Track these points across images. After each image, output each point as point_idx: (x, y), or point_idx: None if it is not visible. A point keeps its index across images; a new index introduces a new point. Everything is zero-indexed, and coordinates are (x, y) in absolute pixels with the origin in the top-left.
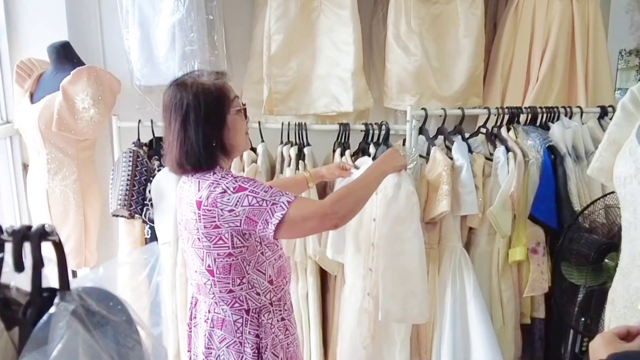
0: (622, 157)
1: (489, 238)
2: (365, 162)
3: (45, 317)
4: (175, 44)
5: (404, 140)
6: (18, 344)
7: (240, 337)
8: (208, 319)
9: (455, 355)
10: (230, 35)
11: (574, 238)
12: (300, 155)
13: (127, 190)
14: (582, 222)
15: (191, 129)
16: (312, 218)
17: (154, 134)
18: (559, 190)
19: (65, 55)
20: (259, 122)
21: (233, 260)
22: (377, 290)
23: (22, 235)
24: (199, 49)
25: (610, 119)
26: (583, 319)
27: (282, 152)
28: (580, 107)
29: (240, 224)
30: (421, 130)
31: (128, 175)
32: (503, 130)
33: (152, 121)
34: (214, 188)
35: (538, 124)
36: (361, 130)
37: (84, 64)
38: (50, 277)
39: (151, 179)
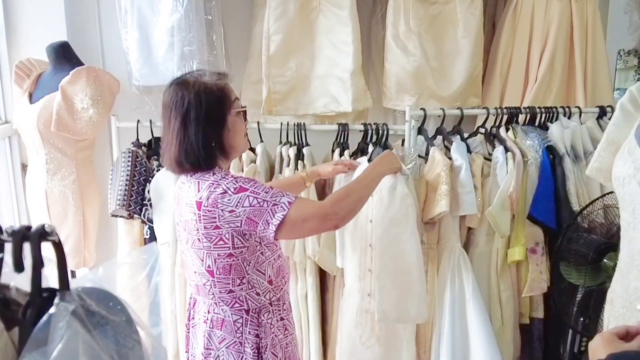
0: (621, 157)
1: (488, 238)
2: (363, 161)
3: (45, 318)
4: (174, 45)
5: (403, 141)
6: (18, 344)
7: (240, 337)
8: (207, 319)
9: (454, 355)
10: (229, 35)
11: (572, 238)
12: (299, 156)
13: (126, 190)
14: (581, 222)
15: (191, 127)
16: (313, 219)
17: (152, 134)
18: (557, 190)
19: (64, 56)
20: (258, 122)
21: (233, 260)
22: (375, 289)
23: (22, 235)
24: (198, 49)
25: (609, 119)
26: (582, 319)
27: (281, 152)
28: (579, 107)
29: (241, 224)
30: (420, 131)
31: (127, 175)
32: (502, 131)
33: (151, 121)
34: (215, 188)
35: (537, 124)
36: (360, 131)
37: (83, 64)
38: (50, 278)
39: (150, 179)
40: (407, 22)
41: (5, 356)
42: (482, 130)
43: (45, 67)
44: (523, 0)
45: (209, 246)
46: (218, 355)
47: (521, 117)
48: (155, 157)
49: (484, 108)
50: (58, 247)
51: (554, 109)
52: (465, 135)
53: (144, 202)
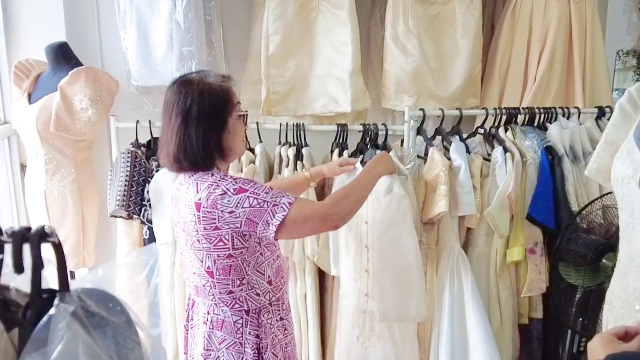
0: (620, 158)
1: (487, 238)
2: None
3: (45, 319)
4: (173, 45)
5: (402, 141)
6: (18, 345)
7: (241, 338)
8: (207, 320)
9: (453, 355)
10: (228, 35)
11: (571, 238)
12: (298, 156)
13: (125, 190)
14: (580, 223)
15: (192, 125)
16: (313, 219)
17: (152, 135)
18: (556, 191)
19: (63, 56)
20: (257, 123)
21: (233, 261)
22: (375, 290)
23: (22, 236)
24: (197, 49)
25: (608, 119)
26: (581, 319)
27: (280, 153)
28: (577, 108)
29: (241, 225)
30: (419, 131)
31: (126, 175)
32: (501, 131)
33: (150, 122)
34: (214, 189)
35: (536, 124)
36: (359, 131)
37: (82, 65)
38: (50, 279)
39: (149, 179)
40: (406, 23)
41: (5, 357)
42: (481, 130)
43: (44, 67)
44: (522, 0)
45: (208, 247)
46: (218, 356)
47: (520, 118)
48: (154, 157)
49: (483, 108)
50: (58, 248)
51: (553, 110)
52: (464, 135)
53: (143, 203)
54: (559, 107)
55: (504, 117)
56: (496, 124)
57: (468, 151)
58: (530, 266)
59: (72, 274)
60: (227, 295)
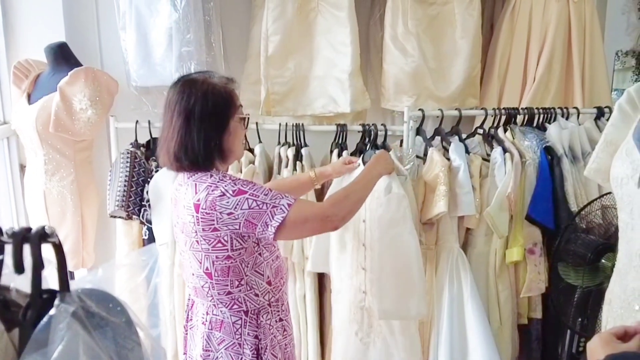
0: (619, 158)
1: (486, 239)
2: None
3: (45, 319)
4: (172, 45)
5: (401, 141)
6: (18, 345)
7: (240, 339)
8: (206, 321)
9: (452, 355)
10: (228, 36)
11: (570, 239)
12: (297, 156)
13: (124, 191)
14: (579, 223)
15: (194, 125)
16: (313, 220)
17: (151, 135)
18: (555, 191)
19: (63, 56)
20: (257, 123)
21: (231, 262)
22: (375, 289)
23: (22, 237)
24: (196, 50)
25: (607, 120)
26: (580, 320)
27: (279, 153)
28: (577, 108)
29: (240, 226)
30: (418, 131)
31: (126, 176)
32: (500, 131)
33: (149, 122)
34: (212, 191)
35: (535, 124)
36: (358, 131)
37: (81, 65)
38: (50, 279)
39: (149, 179)
40: (405, 23)
41: (6, 357)
42: (480, 131)
43: (44, 67)
44: (521, 1)
45: (207, 248)
46: (217, 357)
47: (519, 118)
48: (153, 157)
49: (482, 109)
50: (58, 248)
51: (552, 110)
52: (464, 135)
53: (143, 203)
54: (558, 108)
55: (503, 118)
56: (495, 124)
57: (467, 151)
58: (530, 266)
59: (72, 275)
60: (225, 296)
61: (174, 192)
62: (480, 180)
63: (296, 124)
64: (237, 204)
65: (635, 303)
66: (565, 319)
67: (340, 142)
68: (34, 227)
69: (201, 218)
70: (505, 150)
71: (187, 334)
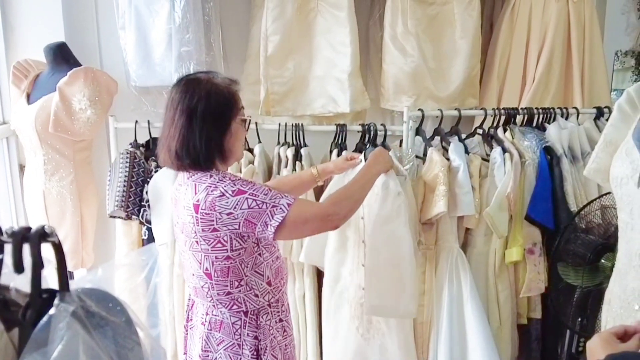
0: (619, 158)
1: (486, 239)
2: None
3: (45, 319)
4: (172, 45)
5: (401, 141)
6: (18, 345)
7: (239, 339)
8: (205, 321)
9: (452, 355)
10: (227, 36)
11: (570, 239)
12: (297, 156)
13: (124, 191)
14: (579, 223)
15: (197, 124)
16: (313, 219)
17: (150, 135)
18: (555, 191)
19: (62, 56)
20: (256, 123)
21: (231, 263)
22: (365, 284)
23: (22, 236)
24: (195, 50)
25: (607, 119)
26: (580, 319)
27: (279, 153)
28: (576, 108)
29: (239, 226)
30: (418, 131)
31: (125, 176)
32: (499, 131)
33: (149, 122)
34: (212, 191)
35: (534, 124)
36: (358, 131)
37: (81, 65)
38: (50, 279)
39: (148, 180)
40: (404, 23)
41: (5, 357)
42: (479, 131)
43: (43, 67)
44: (521, 1)
45: (206, 249)
46: (216, 358)
47: (519, 118)
48: (153, 157)
49: (481, 109)
50: (57, 248)
51: (552, 110)
52: (463, 136)
53: (142, 203)
54: (558, 108)
55: (503, 118)
56: (495, 125)
57: (467, 151)
58: (529, 266)
59: (71, 275)
60: (225, 297)
61: (174, 192)
62: (479, 180)
63: (296, 124)
64: (237, 204)
65: (634, 303)
66: (564, 319)
67: (339, 142)
68: (34, 226)
69: (201, 218)
70: (504, 150)
71: (187, 334)
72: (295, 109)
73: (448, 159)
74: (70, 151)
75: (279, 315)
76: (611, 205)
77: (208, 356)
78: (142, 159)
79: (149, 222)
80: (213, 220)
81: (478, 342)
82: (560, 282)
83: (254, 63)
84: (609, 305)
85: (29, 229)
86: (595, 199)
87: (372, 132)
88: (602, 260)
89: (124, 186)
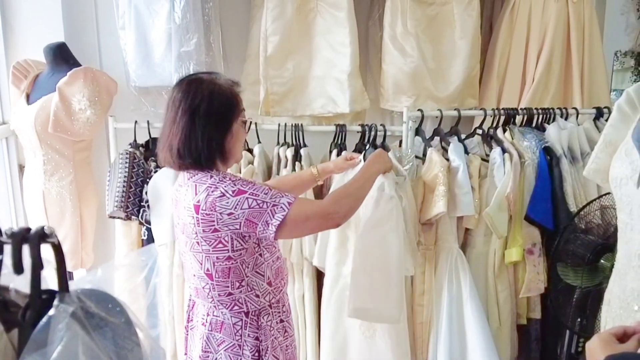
0: (618, 159)
1: (485, 239)
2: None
3: (44, 319)
4: (172, 46)
5: (401, 142)
6: (17, 345)
7: (240, 340)
8: (206, 322)
9: (451, 355)
10: (227, 36)
11: (569, 239)
12: (296, 157)
13: (123, 191)
14: (578, 223)
15: (198, 123)
16: (314, 218)
17: (150, 135)
18: (554, 191)
19: (62, 56)
20: (256, 123)
21: (232, 263)
22: (350, 285)
23: (21, 237)
24: (195, 50)
25: (606, 120)
26: (579, 320)
27: (278, 153)
28: (575, 109)
29: (240, 226)
30: (417, 132)
31: (124, 176)
32: (499, 132)
33: (148, 122)
34: (212, 191)
35: (534, 125)
36: (357, 132)
37: (81, 65)
38: (49, 279)
39: (148, 180)
40: (404, 24)
41: (5, 358)
42: (479, 131)
43: (43, 68)
44: (520, 1)
45: (207, 249)
46: (216, 358)
47: (518, 118)
48: (152, 158)
49: (481, 109)
50: (57, 249)
51: (551, 110)
52: (463, 136)
53: (142, 204)
54: (557, 108)
55: (502, 118)
56: (494, 125)
57: (466, 152)
58: (529, 267)
59: (71, 275)
60: (226, 297)
61: (174, 193)
62: (479, 180)
63: (295, 124)
64: (237, 204)
65: (634, 303)
66: (564, 319)
67: (339, 142)
68: (33, 227)
69: (201, 219)
70: (504, 151)
71: (187, 334)
72: (294, 109)
73: (447, 159)
74: (69, 151)
75: (279, 316)
76: (611, 206)
77: (208, 357)
78: (142, 159)
79: (148, 222)
80: (214, 221)
81: (477, 342)
82: (560, 282)
83: (253, 63)
84: (609, 305)
85: (29, 229)
86: (594, 200)
87: (372, 133)
88: (602, 261)
89: (124, 186)
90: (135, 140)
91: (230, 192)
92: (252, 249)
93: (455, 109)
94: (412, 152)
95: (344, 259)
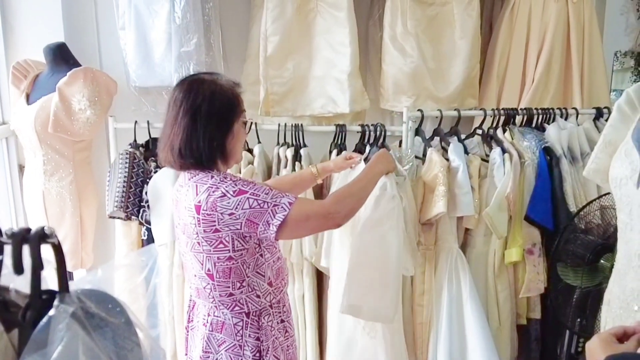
0: (618, 159)
1: (485, 239)
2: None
3: (44, 320)
4: (172, 46)
5: (400, 142)
6: (18, 346)
7: (240, 340)
8: (207, 322)
9: (451, 355)
10: (227, 36)
11: (569, 239)
12: (296, 157)
13: (123, 192)
14: (578, 223)
15: (200, 122)
16: (315, 218)
17: (150, 135)
18: (554, 192)
19: (62, 57)
20: (256, 124)
21: (233, 263)
22: (345, 281)
23: (22, 237)
24: (195, 50)
25: (606, 120)
26: (579, 320)
27: (278, 154)
28: (575, 109)
29: (241, 226)
30: (417, 132)
31: (124, 176)
32: (499, 132)
33: (148, 122)
34: (213, 192)
35: (534, 125)
36: (357, 132)
37: (80, 65)
38: (49, 280)
39: (148, 180)
40: (404, 24)
41: (5, 358)
42: (479, 131)
43: (43, 68)
44: (520, 1)
45: (208, 250)
46: (217, 359)
47: (518, 119)
48: (152, 158)
49: (481, 109)
50: (57, 249)
51: (551, 110)
52: (463, 136)
53: (142, 204)
54: (557, 108)
55: (502, 118)
56: (494, 125)
57: (466, 152)
58: (529, 267)
59: (71, 275)
60: (227, 298)
61: (174, 193)
62: (479, 180)
63: (295, 124)
64: (238, 204)
65: (634, 303)
66: (564, 320)
67: (339, 142)
68: (33, 227)
69: (202, 219)
70: (504, 151)
71: (188, 335)
72: (294, 110)
73: (447, 160)
74: (69, 151)
75: (280, 316)
76: (610, 206)
77: (209, 357)
78: (142, 160)
79: (148, 222)
80: (215, 221)
81: (477, 342)
82: (560, 282)
83: (253, 63)
84: (609, 305)
85: (29, 230)
86: (594, 200)
87: (377, 132)
88: (602, 261)
89: (124, 187)
90: (135, 141)
91: (231, 192)
92: (253, 249)
93: (455, 109)
94: (412, 152)
95: (345, 260)
